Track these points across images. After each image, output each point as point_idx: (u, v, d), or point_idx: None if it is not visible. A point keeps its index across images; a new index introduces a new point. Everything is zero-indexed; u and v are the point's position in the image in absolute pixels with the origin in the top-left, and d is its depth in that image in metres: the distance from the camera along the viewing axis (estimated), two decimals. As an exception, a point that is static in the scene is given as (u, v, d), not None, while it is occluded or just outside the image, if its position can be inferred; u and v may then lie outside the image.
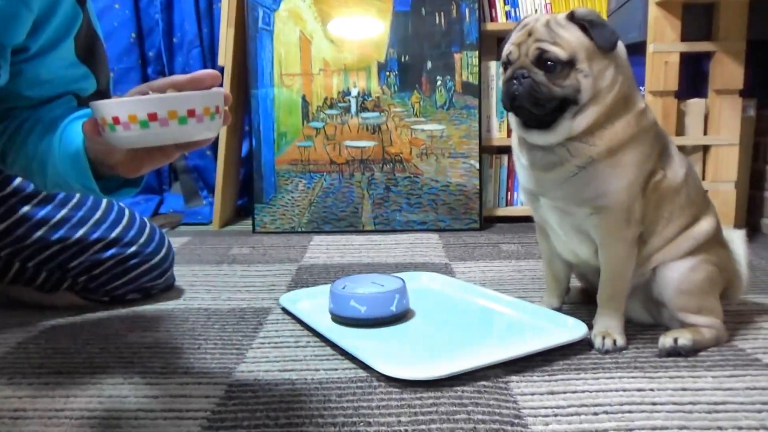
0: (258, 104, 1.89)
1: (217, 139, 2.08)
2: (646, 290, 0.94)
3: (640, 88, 1.65)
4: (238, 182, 2.18)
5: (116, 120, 0.60)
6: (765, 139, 1.72)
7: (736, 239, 0.99)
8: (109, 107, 0.60)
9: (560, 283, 1.04)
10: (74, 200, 1.09)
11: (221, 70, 2.01)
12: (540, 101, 0.83)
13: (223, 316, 1.07)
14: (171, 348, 0.93)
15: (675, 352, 0.86)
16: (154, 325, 1.03)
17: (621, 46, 0.88)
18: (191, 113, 0.60)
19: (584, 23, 0.83)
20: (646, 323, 0.97)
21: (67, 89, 0.84)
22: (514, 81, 0.84)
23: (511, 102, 0.85)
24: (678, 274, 0.90)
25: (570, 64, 0.82)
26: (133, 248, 1.11)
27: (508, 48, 0.88)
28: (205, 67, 2.18)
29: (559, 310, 1.02)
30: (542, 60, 0.83)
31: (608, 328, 0.90)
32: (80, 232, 1.08)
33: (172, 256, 1.20)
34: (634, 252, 0.89)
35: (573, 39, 0.83)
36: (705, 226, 0.92)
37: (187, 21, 2.17)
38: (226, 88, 1.97)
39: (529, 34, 0.84)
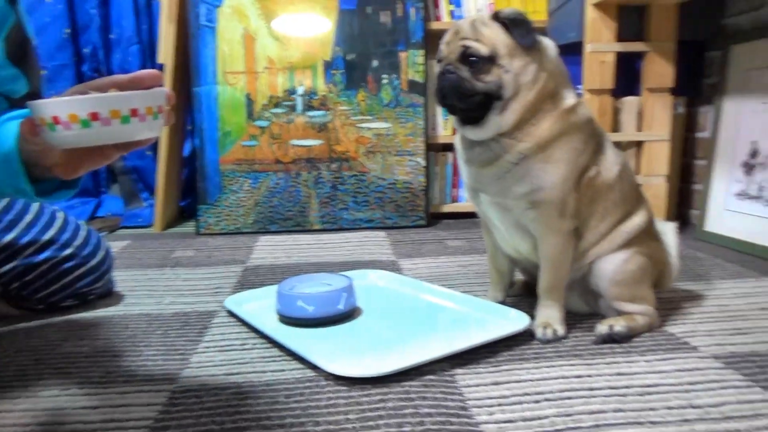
0: (201, 103, 1.85)
1: (157, 138, 2.03)
2: (583, 282, 0.98)
3: (578, 86, 1.71)
4: (180, 183, 2.13)
5: (56, 120, 0.58)
6: (694, 135, 1.81)
7: (668, 231, 1.05)
8: (49, 107, 0.58)
9: (503, 277, 1.07)
10: (2, 204, 1.04)
11: (161, 67, 1.96)
12: (464, 95, 0.87)
13: (165, 321, 1.05)
14: (110, 356, 0.90)
15: (611, 338, 0.89)
16: (91, 333, 1.00)
17: (548, 45, 0.91)
18: (134, 112, 0.59)
19: (506, 22, 0.87)
20: (585, 313, 1.01)
21: None
22: (443, 77, 0.88)
23: (441, 97, 0.90)
24: (612, 266, 0.93)
25: (491, 59, 0.86)
26: (68, 251, 1.07)
27: (440, 47, 0.92)
28: (144, 64, 2.11)
29: (503, 303, 1.04)
30: (466, 56, 0.87)
31: (549, 318, 0.93)
32: (10, 236, 1.03)
33: (110, 260, 1.17)
34: (570, 244, 0.93)
35: (494, 36, 0.87)
36: (637, 220, 0.96)
37: (124, 17, 2.09)
38: (168, 87, 1.91)
39: (456, 33, 0.89)
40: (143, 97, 0.60)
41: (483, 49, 0.86)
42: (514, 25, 0.86)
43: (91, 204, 2.12)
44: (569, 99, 0.91)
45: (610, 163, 0.94)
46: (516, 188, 0.89)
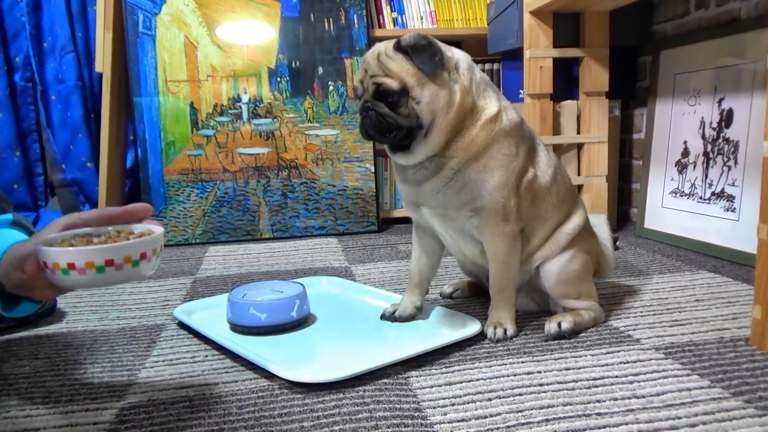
0: (142, 112, 1.80)
1: (97, 149, 1.96)
2: (531, 284, 1.01)
3: (520, 91, 1.76)
4: (123, 195, 2.06)
5: (71, 266, 0.61)
6: (629, 136, 1.89)
7: (600, 224, 1.09)
8: (64, 254, 0.62)
9: (423, 282, 1.03)
10: None
11: (99, 76, 1.90)
12: (387, 131, 0.88)
13: (111, 337, 1.01)
14: (53, 375, 0.86)
15: (560, 335, 0.92)
16: (32, 353, 0.95)
17: (460, 58, 0.90)
18: (143, 256, 0.64)
19: (407, 50, 0.86)
20: (534, 312, 1.04)
21: None
22: (364, 113, 0.89)
23: (365, 133, 0.90)
24: (557, 266, 0.97)
25: (404, 92, 0.86)
26: None
27: (354, 84, 0.92)
28: (80, 73, 2.04)
29: (419, 308, 1.02)
30: (380, 93, 0.87)
31: (500, 318, 0.95)
32: None
33: None
34: (517, 246, 0.95)
35: (401, 69, 0.86)
36: (576, 221, 0.99)
37: (58, 24, 2.02)
38: (106, 96, 1.86)
39: (366, 71, 0.89)
40: (152, 242, 0.65)
41: (393, 85, 0.86)
42: (415, 52, 0.85)
43: (29, 218, 2.03)
44: (490, 108, 0.90)
45: (545, 165, 0.97)
46: (456, 199, 0.90)
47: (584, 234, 1.01)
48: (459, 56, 0.90)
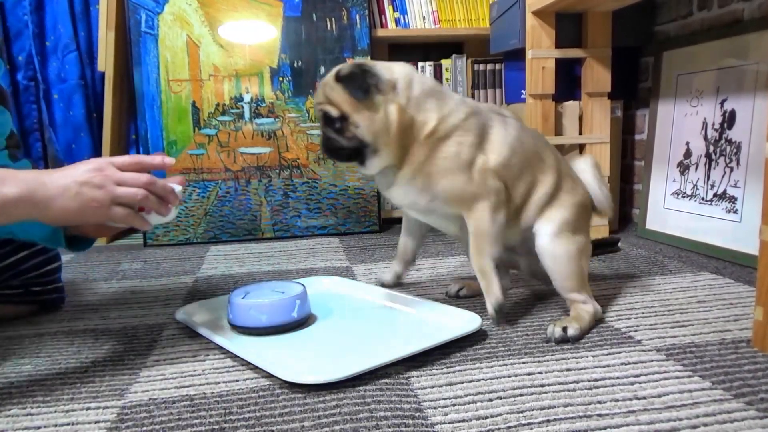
0: (144, 111, 1.80)
1: (100, 148, 1.97)
2: (525, 246, 1.05)
3: (522, 91, 1.76)
4: (125, 194, 2.06)
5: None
6: (631, 137, 1.89)
7: (584, 167, 1.10)
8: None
9: (407, 255, 1.21)
10: None
11: (102, 75, 1.90)
12: (336, 152, 0.99)
13: (113, 336, 1.01)
14: (54, 374, 0.86)
15: (565, 340, 0.92)
16: (33, 351, 0.96)
17: (399, 79, 0.95)
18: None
19: (341, 81, 0.94)
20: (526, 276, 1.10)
21: None
22: (321, 135, 1.00)
23: (323, 153, 1.02)
24: (561, 266, 0.99)
25: (344, 118, 0.95)
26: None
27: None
28: (83, 72, 2.04)
29: (399, 276, 1.23)
30: (326, 119, 0.97)
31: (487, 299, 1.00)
32: None
33: (60, 260, 1.16)
34: (497, 217, 0.98)
35: (339, 98, 0.95)
36: (549, 180, 1.01)
37: (61, 23, 2.02)
38: (108, 95, 1.86)
39: (316, 98, 0.99)
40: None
41: (334, 112, 0.95)
42: (347, 82, 0.94)
43: (29, 218, 2.04)
44: (429, 122, 0.96)
45: (499, 144, 0.99)
46: (421, 199, 0.99)
47: (566, 192, 1.02)
48: (398, 75, 0.96)
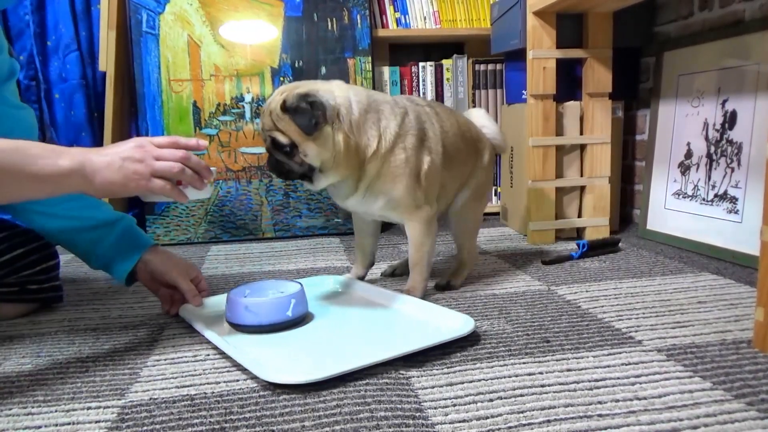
0: (145, 111, 1.80)
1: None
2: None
3: (523, 91, 1.76)
4: (126, 193, 2.06)
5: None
6: (632, 137, 1.89)
7: (476, 115, 1.29)
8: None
9: (366, 256, 1.27)
10: None
11: (103, 75, 1.91)
12: (286, 174, 1.04)
13: (113, 335, 1.01)
14: (55, 373, 0.86)
15: (449, 287, 1.19)
16: (34, 350, 0.96)
17: (341, 106, 1.01)
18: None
19: (289, 112, 0.98)
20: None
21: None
22: (268, 157, 1.05)
23: (271, 173, 1.07)
24: (469, 225, 1.25)
25: (294, 146, 1.00)
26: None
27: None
28: (84, 72, 2.04)
29: (363, 278, 1.27)
30: (276, 144, 1.01)
31: (413, 284, 1.14)
32: None
33: (58, 258, 1.16)
34: (432, 228, 1.12)
35: (287, 127, 0.99)
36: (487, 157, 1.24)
37: (62, 23, 2.02)
38: (109, 95, 1.86)
39: (262, 125, 1.03)
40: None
41: (284, 140, 0.99)
42: (296, 115, 0.97)
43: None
44: (371, 143, 1.03)
45: (434, 143, 1.10)
46: (374, 206, 1.09)
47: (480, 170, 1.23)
48: (341, 101, 1.02)
